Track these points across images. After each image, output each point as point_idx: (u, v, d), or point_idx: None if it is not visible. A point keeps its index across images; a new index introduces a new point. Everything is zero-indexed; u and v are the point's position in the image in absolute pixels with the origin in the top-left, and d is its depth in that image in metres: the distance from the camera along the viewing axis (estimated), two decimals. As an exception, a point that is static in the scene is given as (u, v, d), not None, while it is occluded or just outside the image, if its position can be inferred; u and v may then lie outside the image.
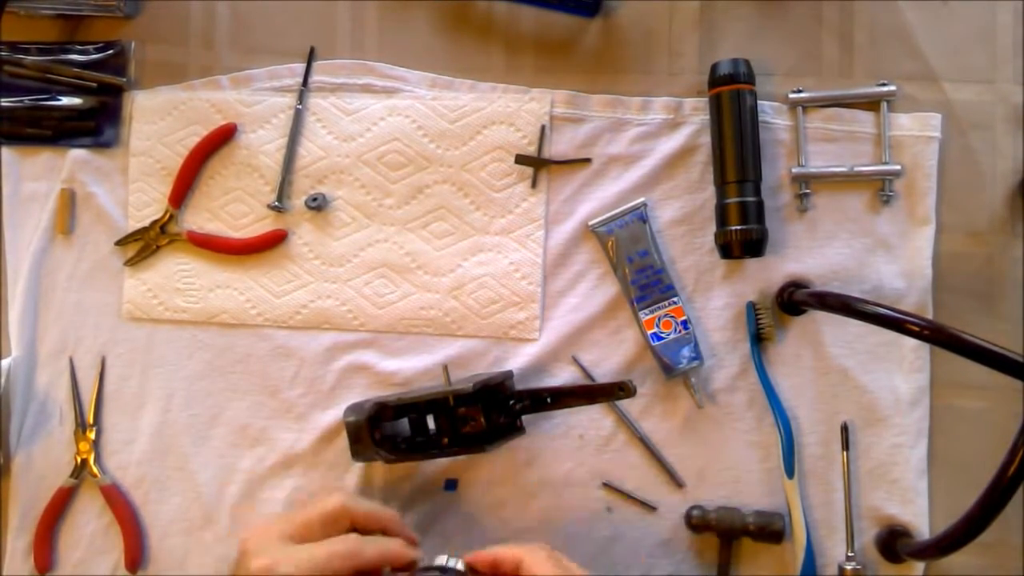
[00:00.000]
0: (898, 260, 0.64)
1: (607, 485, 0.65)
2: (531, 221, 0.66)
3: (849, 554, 0.62)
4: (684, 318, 0.64)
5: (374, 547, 0.52)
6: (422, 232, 0.67)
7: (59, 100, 0.70)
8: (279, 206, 0.67)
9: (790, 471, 0.62)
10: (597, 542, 0.64)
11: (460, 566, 0.52)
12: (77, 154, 0.69)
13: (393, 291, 0.67)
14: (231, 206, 0.68)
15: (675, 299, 0.64)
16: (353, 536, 0.53)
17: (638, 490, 0.64)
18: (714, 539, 0.63)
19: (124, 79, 0.69)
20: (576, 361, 0.65)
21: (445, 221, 0.67)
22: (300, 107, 0.68)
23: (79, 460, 0.67)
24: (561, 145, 0.67)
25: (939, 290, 0.64)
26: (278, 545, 0.51)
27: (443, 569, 0.52)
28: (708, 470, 0.64)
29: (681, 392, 0.65)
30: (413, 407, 0.62)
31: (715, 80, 0.63)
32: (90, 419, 0.68)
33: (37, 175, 0.70)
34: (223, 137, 0.68)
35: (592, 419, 0.65)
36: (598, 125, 0.66)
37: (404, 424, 0.63)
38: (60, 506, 0.67)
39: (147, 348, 0.68)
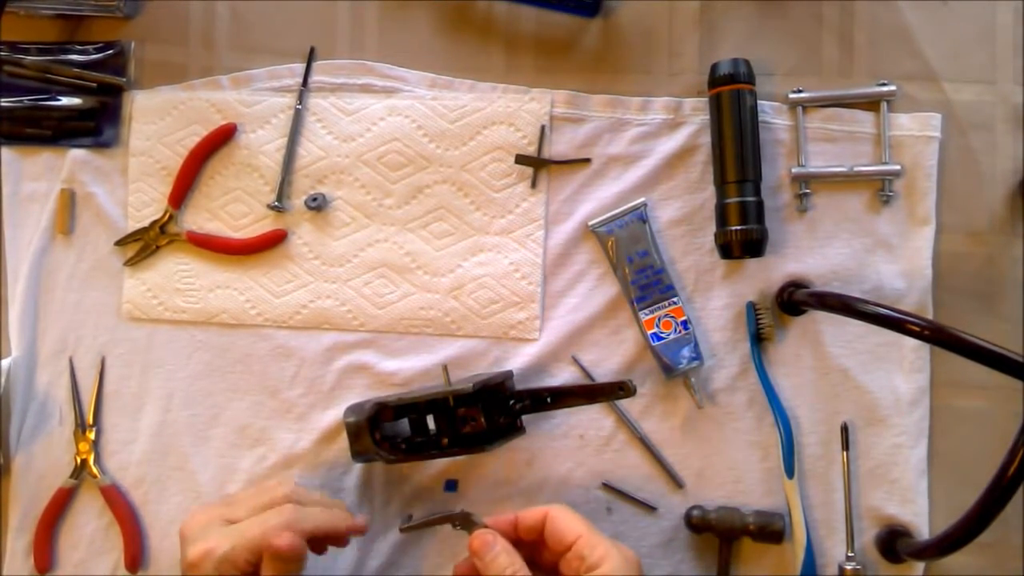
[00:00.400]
0: (898, 260, 0.64)
1: (607, 485, 0.65)
2: (531, 221, 0.66)
3: (849, 554, 0.62)
4: (684, 318, 0.64)
5: (314, 515, 0.51)
6: (422, 232, 0.67)
7: (59, 100, 0.70)
8: (279, 206, 0.67)
9: (790, 471, 0.62)
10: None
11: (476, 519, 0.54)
12: (77, 154, 0.69)
13: (393, 291, 0.67)
14: (231, 206, 0.68)
15: (675, 299, 0.64)
16: (289, 506, 0.52)
17: (638, 490, 0.64)
18: (714, 539, 0.63)
19: (124, 79, 0.69)
20: (576, 361, 0.65)
21: (445, 221, 0.67)
22: (300, 107, 0.68)
23: (79, 460, 0.67)
24: (561, 145, 0.67)
25: (939, 290, 0.64)
26: (215, 528, 0.51)
27: (453, 517, 0.54)
28: (708, 470, 0.64)
29: (681, 392, 0.65)
30: (413, 407, 0.62)
31: (715, 80, 0.63)
32: (90, 419, 0.68)
33: (37, 175, 0.70)
34: (223, 137, 0.68)
35: (592, 419, 0.65)
36: (598, 125, 0.66)
37: (404, 424, 0.63)
38: (60, 506, 0.67)
39: (147, 348, 0.68)
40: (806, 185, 0.65)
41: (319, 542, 0.55)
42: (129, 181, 0.69)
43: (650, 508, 0.64)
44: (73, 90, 0.70)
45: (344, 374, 0.67)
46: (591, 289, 0.66)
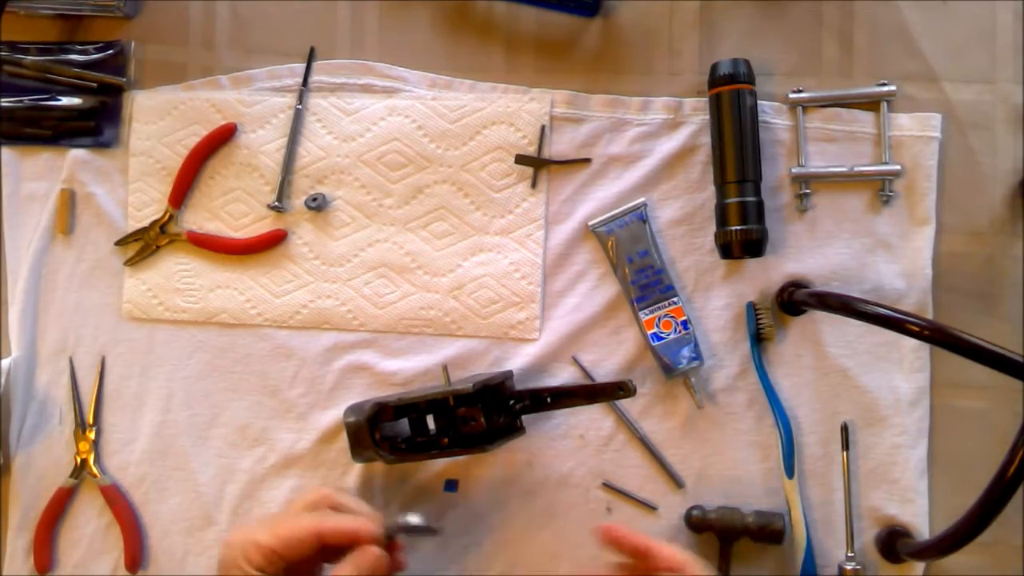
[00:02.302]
0: (898, 260, 0.64)
1: (607, 485, 0.65)
2: (531, 221, 0.66)
3: (849, 554, 0.62)
4: (684, 318, 0.64)
5: (338, 517, 0.54)
6: (422, 232, 0.67)
7: (59, 100, 0.70)
8: (279, 206, 0.67)
9: (790, 471, 0.62)
10: (597, 542, 0.64)
11: (417, 520, 0.54)
12: (77, 154, 0.69)
13: (393, 291, 0.67)
14: (231, 206, 0.68)
15: (675, 299, 0.64)
16: (319, 512, 0.55)
17: (638, 490, 0.64)
18: (714, 539, 0.63)
19: (124, 79, 0.69)
20: (576, 361, 0.65)
21: (445, 221, 0.67)
22: (300, 107, 0.68)
23: (79, 460, 0.67)
24: (561, 145, 0.67)
25: (939, 290, 0.64)
26: (253, 525, 0.54)
27: (406, 527, 0.54)
28: (708, 470, 0.64)
29: (681, 392, 0.65)
30: (413, 407, 0.62)
31: (715, 80, 0.63)
32: (90, 419, 0.68)
33: (37, 175, 0.70)
34: (223, 137, 0.68)
35: (592, 419, 0.65)
36: (598, 125, 0.66)
37: (404, 424, 0.63)
38: (60, 506, 0.67)
39: (147, 348, 0.68)
40: (806, 185, 0.65)
41: (336, 551, 0.55)
42: (129, 181, 0.69)
43: (650, 508, 0.64)
44: (73, 90, 0.70)
45: (344, 374, 0.67)
46: (591, 289, 0.66)
